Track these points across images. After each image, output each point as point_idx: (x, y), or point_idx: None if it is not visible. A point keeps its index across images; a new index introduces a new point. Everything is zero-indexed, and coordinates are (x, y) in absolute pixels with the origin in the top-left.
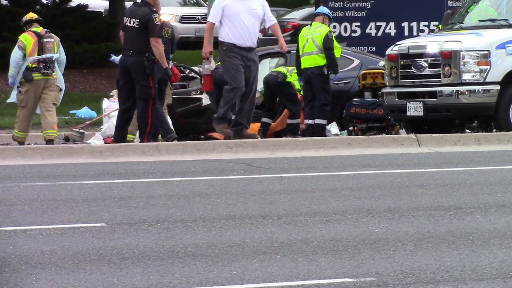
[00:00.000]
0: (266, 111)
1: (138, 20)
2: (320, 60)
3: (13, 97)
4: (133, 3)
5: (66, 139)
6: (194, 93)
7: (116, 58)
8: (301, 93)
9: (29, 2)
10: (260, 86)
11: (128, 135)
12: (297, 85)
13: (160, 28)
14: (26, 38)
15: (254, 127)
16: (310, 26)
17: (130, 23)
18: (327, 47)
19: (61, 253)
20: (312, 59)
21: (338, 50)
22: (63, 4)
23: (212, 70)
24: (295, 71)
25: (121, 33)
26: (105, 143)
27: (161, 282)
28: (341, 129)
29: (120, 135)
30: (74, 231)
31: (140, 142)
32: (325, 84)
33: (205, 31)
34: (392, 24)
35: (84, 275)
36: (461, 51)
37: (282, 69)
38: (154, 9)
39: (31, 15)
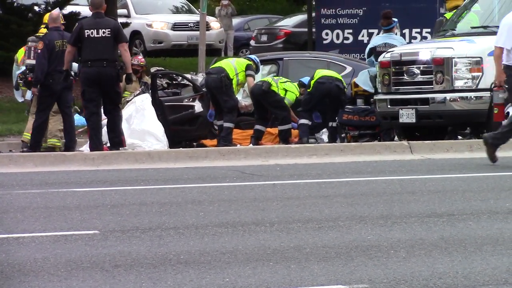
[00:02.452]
0: (259, 119)
1: (109, 30)
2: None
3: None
4: (83, 17)
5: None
6: (186, 100)
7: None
8: (286, 102)
9: (21, 10)
10: None
11: (52, 140)
12: (282, 93)
13: None
14: (20, 50)
15: (246, 134)
16: None
17: (98, 33)
18: None
19: (53, 260)
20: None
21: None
22: None
23: (505, 99)
24: (282, 80)
25: (70, 47)
26: None
27: None
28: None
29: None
30: (67, 239)
31: (113, 144)
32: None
33: (496, 59)
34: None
35: (77, 283)
36: (454, 58)
37: (268, 78)
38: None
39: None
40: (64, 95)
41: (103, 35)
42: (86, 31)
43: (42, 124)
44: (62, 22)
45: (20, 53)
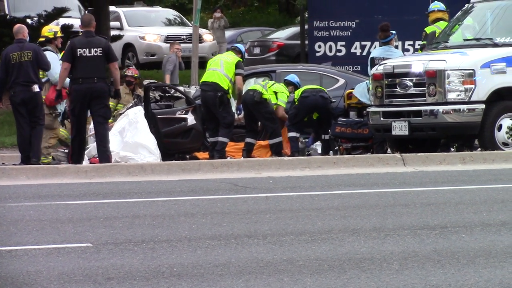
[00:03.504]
0: (249, 131)
1: (101, 49)
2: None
3: None
4: (75, 35)
5: (52, 159)
6: (179, 113)
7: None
8: (280, 103)
9: (14, 23)
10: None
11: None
12: (273, 99)
13: None
14: None
15: (239, 147)
16: None
17: (90, 52)
18: None
19: (46, 273)
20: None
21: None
22: (48, 24)
23: None
24: (270, 84)
25: (66, 65)
26: (90, 163)
27: None
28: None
29: (80, 157)
30: (60, 252)
31: (102, 158)
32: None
33: None
34: (377, 43)
35: None
36: (446, 70)
37: (257, 86)
38: (106, 37)
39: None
40: (30, 108)
41: (95, 54)
42: (78, 50)
43: (23, 139)
44: (60, 35)
45: None
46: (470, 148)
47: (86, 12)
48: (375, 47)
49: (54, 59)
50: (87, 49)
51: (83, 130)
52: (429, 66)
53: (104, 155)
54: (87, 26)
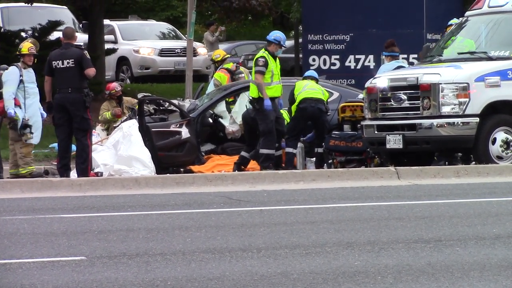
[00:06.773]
0: (248, 146)
1: (73, 60)
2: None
3: None
4: (54, 48)
5: (46, 173)
6: (173, 126)
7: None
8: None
9: (9, 36)
10: (239, 119)
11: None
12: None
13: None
14: (221, 76)
15: (233, 160)
16: None
17: (63, 64)
18: None
19: (40, 287)
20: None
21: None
22: (43, 37)
23: None
24: None
25: (46, 77)
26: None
27: None
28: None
29: (64, 162)
30: (54, 265)
31: (78, 171)
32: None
33: None
34: (371, 57)
35: None
36: (440, 83)
37: None
38: (82, 47)
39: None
40: None
41: (67, 66)
42: (53, 62)
43: None
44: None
45: (223, 79)
46: (464, 162)
47: (81, 25)
48: (369, 61)
49: None
50: (60, 61)
51: (65, 139)
52: (423, 80)
53: (80, 167)
54: (68, 38)
